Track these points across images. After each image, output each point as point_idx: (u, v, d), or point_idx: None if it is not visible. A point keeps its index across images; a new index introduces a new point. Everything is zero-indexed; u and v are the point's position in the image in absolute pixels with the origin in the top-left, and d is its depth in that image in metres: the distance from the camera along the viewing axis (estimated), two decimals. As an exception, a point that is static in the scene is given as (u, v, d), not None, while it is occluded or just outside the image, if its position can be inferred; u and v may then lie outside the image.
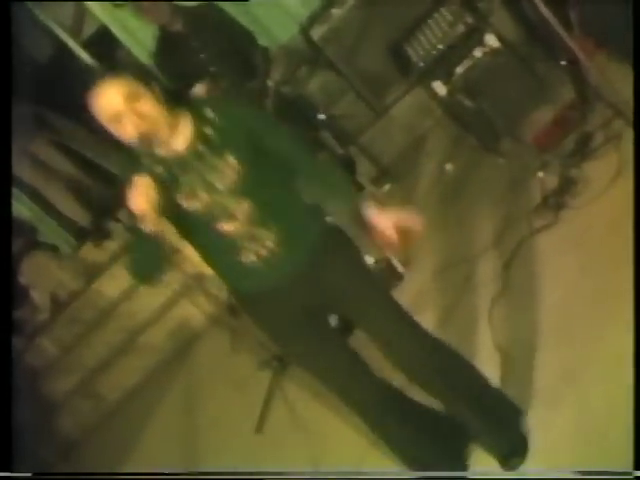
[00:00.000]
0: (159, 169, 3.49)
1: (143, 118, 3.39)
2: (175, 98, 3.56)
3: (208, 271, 5.27)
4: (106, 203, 8.40)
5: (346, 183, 3.96)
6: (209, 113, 3.54)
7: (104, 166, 8.27)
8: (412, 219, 3.59)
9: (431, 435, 4.07)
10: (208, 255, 3.74)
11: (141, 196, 3.27)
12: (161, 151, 3.49)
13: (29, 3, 8.63)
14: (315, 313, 3.80)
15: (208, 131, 3.52)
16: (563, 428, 3.80)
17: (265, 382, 6.07)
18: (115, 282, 8.12)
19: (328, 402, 5.07)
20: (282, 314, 3.76)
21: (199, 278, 6.64)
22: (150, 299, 8.04)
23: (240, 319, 6.63)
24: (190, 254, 5.45)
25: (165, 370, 7.90)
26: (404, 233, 3.56)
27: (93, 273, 8.54)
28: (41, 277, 8.75)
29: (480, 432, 4.00)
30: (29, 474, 4.24)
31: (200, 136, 3.52)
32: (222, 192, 3.50)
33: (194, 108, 3.56)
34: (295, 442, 5.32)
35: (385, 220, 3.57)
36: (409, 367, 3.88)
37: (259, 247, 3.55)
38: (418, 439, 4.04)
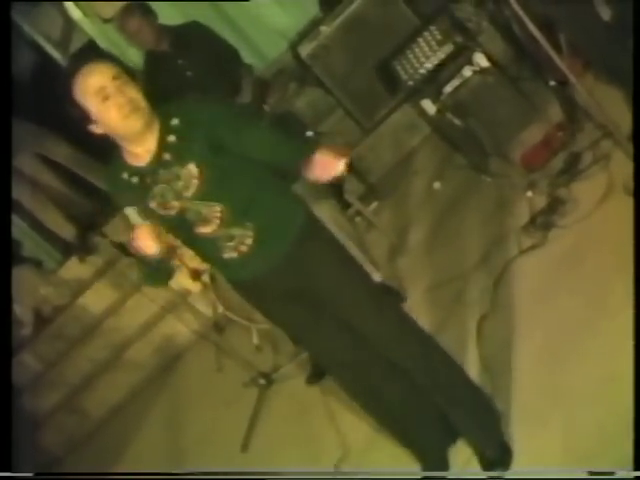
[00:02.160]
0: (135, 179, 3.60)
1: (129, 100, 3.45)
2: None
3: (193, 289, 5.36)
4: (91, 218, 8.40)
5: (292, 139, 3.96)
6: (174, 121, 3.58)
7: (89, 180, 8.26)
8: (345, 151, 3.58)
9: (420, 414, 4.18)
10: (197, 252, 3.92)
11: (149, 242, 3.47)
12: (132, 160, 3.59)
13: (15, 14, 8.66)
14: (304, 296, 3.85)
15: (172, 139, 3.57)
16: (548, 446, 3.81)
17: (251, 399, 6.06)
18: (100, 297, 8.13)
19: (316, 418, 5.14)
20: (273, 297, 3.86)
21: (184, 295, 6.64)
22: (135, 315, 8.03)
23: (226, 336, 6.67)
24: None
25: (150, 386, 7.88)
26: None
27: (78, 288, 8.51)
28: (25, 292, 8.72)
29: (466, 430, 4.09)
30: (30, 474, 4.25)
31: (165, 145, 3.57)
32: (191, 199, 3.58)
33: (162, 116, 3.59)
34: (282, 459, 5.32)
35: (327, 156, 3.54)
36: (390, 354, 3.97)
37: (238, 244, 3.66)
38: (405, 413, 4.14)
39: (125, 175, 3.62)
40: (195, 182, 3.55)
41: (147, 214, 3.58)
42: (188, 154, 3.55)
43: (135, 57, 7.24)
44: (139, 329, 8.15)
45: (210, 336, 6.81)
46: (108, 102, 3.42)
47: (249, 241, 3.65)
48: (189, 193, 3.57)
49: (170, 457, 6.43)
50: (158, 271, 3.77)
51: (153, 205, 3.62)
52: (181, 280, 5.22)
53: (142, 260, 3.61)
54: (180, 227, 3.68)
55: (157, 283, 4.15)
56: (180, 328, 7.64)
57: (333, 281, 3.85)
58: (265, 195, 3.71)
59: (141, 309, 7.89)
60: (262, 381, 6.12)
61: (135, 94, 3.48)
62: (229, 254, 3.69)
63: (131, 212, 3.52)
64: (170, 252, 3.66)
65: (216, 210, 3.60)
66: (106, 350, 8.25)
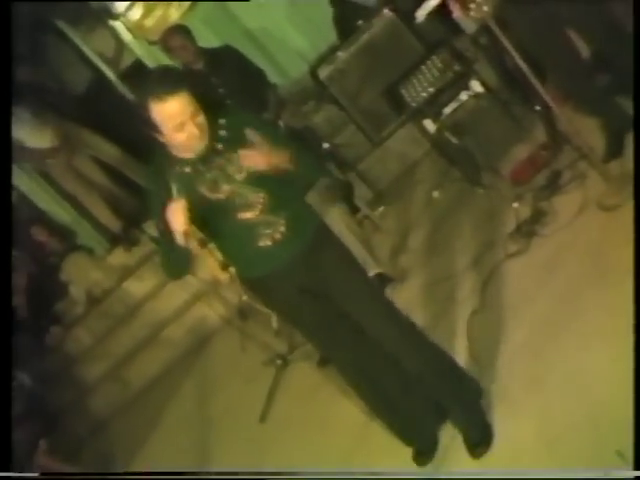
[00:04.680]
0: (187, 169, 3.57)
1: (200, 128, 3.45)
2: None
3: (221, 277, 5.29)
4: (135, 214, 8.39)
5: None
6: (222, 121, 3.60)
7: (134, 180, 8.25)
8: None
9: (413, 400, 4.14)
10: (228, 244, 3.76)
11: (181, 217, 3.37)
12: (187, 154, 3.55)
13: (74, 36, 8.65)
14: (312, 292, 3.81)
15: (222, 133, 3.59)
16: (524, 429, 3.78)
17: (269, 377, 6.03)
18: (142, 283, 8.13)
19: (325, 395, 5.09)
20: (283, 292, 3.81)
21: (214, 284, 6.62)
22: (171, 300, 8.04)
23: (248, 322, 6.64)
24: (207, 262, 5.45)
25: (183, 362, 7.87)
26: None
27: (123, 274, 8.53)
28: (78, 275, 8.74)
29: (453, 412, 4.05)
30: (36, 474, 4.14)
31: (216, 137, 3.57)
32: (241, 183, 3.57)
33: (211, 117, 3.55)
34: (295, 431, 5.31)
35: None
36: (386, 345, 3.93)
37: (274, 232, 3.64)
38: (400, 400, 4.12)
39: (177, 167, 3.57)
40: (246, 166, 3.56)
41: (197, 200, 3.53)
42: (238, 142, 3.55)
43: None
44: (174, 312, 8.13)
45: (235, 321, 6.79)
46: (182, 130, 3.42)
47: (282, 229, 3.64)
48: (241, 177, 3.57)
49: (199, 425, 6.41)
50: (178, 258, 3.63)
51: (203, 190, 3.59)
52: (212, 270, 5.14)
53: (165, 243, 3.54)
54: (224, 213, 3.62)
55: (176, 271, 3.90)
56: (209, 313, 7.65)
57: (338, 279, 3.83)
58: (292, 190, 3.73)
59: (176, 295, 7.94)
60: (279, 361, 6.09)
61: (202, 120, 3.47)
62: (264, 242, 3.65)
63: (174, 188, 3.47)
64: (201, 244, 3.55)
65: (260, 196, 3.60)
66: (146, 329, 8.25)
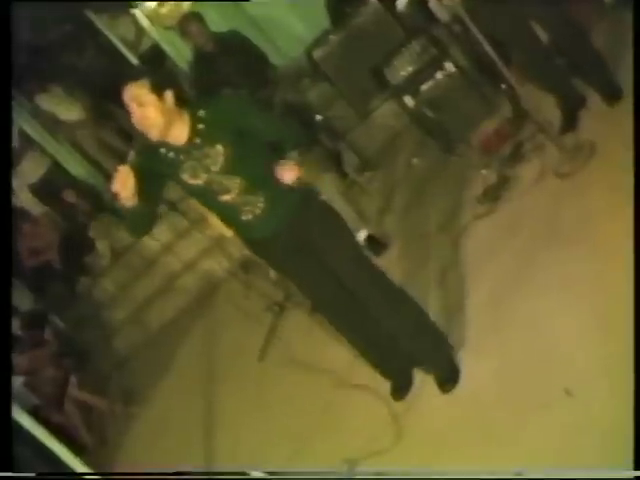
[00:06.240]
0: (171, 154, 3.54)
1: (143, 120, 3.41)
2: (182, 101, 3.51)
3: (227, 233, 5.23)
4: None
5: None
6: (201, 112, 3.53)
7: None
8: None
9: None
10: (218, 216, 3.83)
11: (120, 182, 3.25)
12: (170, 142, 3.51)
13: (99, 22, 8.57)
14: (301, 253, 3.80)
15: (201, 127, 3.52)
16: (487, 373, 3.77)
17: (268, 321, 6.00)
18: (158, 239, 8.05)
19: (316, 338, 5.07)
20: (282, 254, 3.80)
21: (219, 240, 6.59)
22: (183, 254, 8.02)
23: (249, 274, 6.61)
24: (212, 221, 5.41)
25: (193, 308, 7.84)
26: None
27: (142, 231, 8.47)
28: (104, 232, 8.71)
29: (423, 357, 4.05)
30: (33, 474, 4.05)
31: (195, 131, 3.52)
32: (217, 172, 3.54)
33: (191, 109, 3.53)
34: (290, 369, 5.28)
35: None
36: (368, 303, 3.91)
37: (253, 209, 3.61)
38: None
39: (163, 150, 3.54)
40: (221, 159, 3.52)
41: (179, 183, 3.59)
42: (215, 138, 3.50)
43: (188, 55, 7.12)
44: (186, 265, 8.09)
45: (238, 273, 6.77)
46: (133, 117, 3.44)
47: (261, 205, 3.61)
48: (216, 168, 3.53)
49: (207, 362, 6.39)
50: (135, 219, 3.51)
51: (185, 177, 3.57)
52: (218, 226, 5.12)
53: (124, 211, 3.42)
54: (206, 195, 3.63)
55: (135, 232, 3.78)
56: (216, 266, 7.65)
57: (326, 243, 3.79)
58: (272, 171, 3.64)
59: (187, 250, 7.93)
60: (276, 308, 6.05)
61: (153, 113, 3.41)
62: (246, 216, 3.63)
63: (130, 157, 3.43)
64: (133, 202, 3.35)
65: (235, 182, 3.56)
66: (161, 279, 8.25)
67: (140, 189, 3.29)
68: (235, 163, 3.53)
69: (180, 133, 3.50)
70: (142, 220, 3.57)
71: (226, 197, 3.58)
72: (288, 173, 3.61)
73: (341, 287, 3.87)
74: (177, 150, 3.53)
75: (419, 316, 4.02)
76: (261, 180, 3.61)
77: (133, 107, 3.39)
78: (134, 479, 4.80)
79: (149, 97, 3.39)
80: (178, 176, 3.57)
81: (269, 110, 5.65)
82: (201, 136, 3.51)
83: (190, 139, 3.51)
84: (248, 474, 3.44)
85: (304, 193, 3.75)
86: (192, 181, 3.57)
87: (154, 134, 3.44)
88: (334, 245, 3.81)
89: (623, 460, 2.59)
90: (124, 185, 3.24)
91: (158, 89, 3.41)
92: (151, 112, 3.39)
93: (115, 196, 3.32)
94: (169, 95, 3.43)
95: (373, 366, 4.17)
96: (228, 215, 3.73)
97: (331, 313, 4.04)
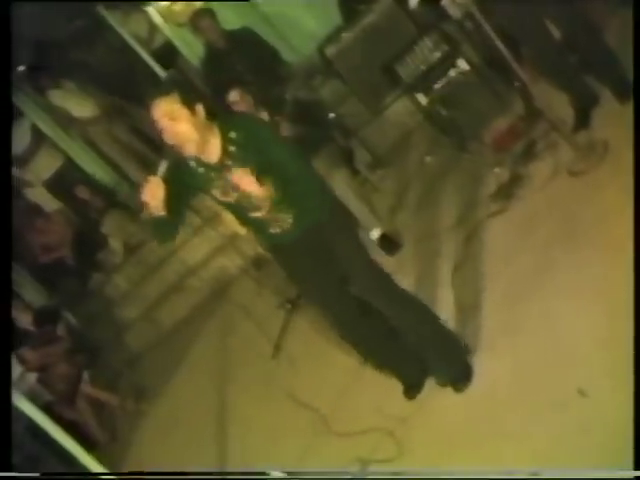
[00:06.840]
0: (202, 170, 3.55)
1: (177, 135, 3.40)
2: (212, 115, 3.50)
3: (240, 231, 5.21)
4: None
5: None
6: (232, 134, 3.51)
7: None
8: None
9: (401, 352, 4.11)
10: (249, 227, 3.87)
11: (150, 192, 3.28)
12: (202, 157, 3.52)
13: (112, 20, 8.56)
14: (322, 265, 3.81)
15: (232, 149, 3.51)
16: (502, 372, 3.74)
17: (281, 319, 5.99)
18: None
19: (328, 335, 5.06)
20: (299, 262, 3.81)
21: (232, 238, 6.59)
22: (196, 251, 7.99)
23: (262, 271, 6.60)
24: (225, 219, 5.39)
25: (206, 306, 7.83)
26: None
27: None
28: (117, 229, 8.71)
29: (436, 362, 4.00)
30: (37, 474, 4.04)
31: (227, 153, 3.51)
32: (247, 193, 3.53)
33: (222, 129, 3.52)
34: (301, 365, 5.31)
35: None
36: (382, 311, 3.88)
37: (282, 224, 3.65)
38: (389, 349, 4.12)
39: (193, 163, 3.54)
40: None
41: (211, 197, 3.64)
42: (246, 162, 3.48)
43: (200, 52, 7.11)
44: (199, 262, 8.09)
45: (250, 270, 6.77)
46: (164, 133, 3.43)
47: (290, 221, 3.64)
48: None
49: (219, 360, 6.41)
50: (160, 226, 3.53)
51: (216, 193, 3.60)
52: (232, 224, 5.11)
53: (152, 217, 3.43)
54: (236, 210, 3.69)
55: (164, 238, 3.72)
56: (229, 263, 7.66)
57: (339, 248, 3.77)
58: (302, 187, 3.61)
59: (201, 246, 7.89)
60: (289, 306, 6.05)
61: (185, 128, 3.40)
62: (274, 229, 3.67)
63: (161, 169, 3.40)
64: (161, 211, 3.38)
65: (266, 203, 3.56)
66: (174, 276, 8.23)
67: (168, 199, 3.32)
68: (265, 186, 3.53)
69: (213, 150, 3.50)
70: (169, 229, 3.61)
71: (256, 214, 3.61)
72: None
73: (348, 291, 3.90)
74: (208, 167, 3.54)
75: (426, 315, 3.99)
76: (290, 199, 3.60)
77: (164, 122, 3.37)
78: (135, 479, 4.71)
79: (182, 112, 3.38)
80: (209, 191, 3.61)
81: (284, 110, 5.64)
82: (233, 159, 3.50)
83: (221, 160, 3.51)
84: (268, 474, 3.42)
85: (328, 208, 3.73)
86: (223, 198, 3.61)
87: (190, 149, 3.44)
88: (348, 249, 3.80)
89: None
90: (154, 195, 3.28)
91: (189, 103, 3.40)
92: (185, 127, 3.39)
93: (144, 205, 3.34)
94: (200, 109, 3.43)
95: (384, 367, 4.20)
96: (257, 227, 3.76)
97: (334, 315, 4.04)
